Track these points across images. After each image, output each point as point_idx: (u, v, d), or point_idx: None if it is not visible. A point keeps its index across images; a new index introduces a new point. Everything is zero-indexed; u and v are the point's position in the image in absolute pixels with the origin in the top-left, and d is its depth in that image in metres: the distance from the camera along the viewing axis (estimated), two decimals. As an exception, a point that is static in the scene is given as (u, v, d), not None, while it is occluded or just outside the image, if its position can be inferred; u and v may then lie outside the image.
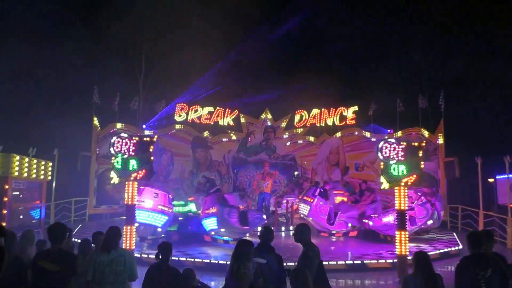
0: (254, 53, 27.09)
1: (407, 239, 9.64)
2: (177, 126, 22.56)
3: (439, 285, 4.98)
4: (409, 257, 8.72)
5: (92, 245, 6.45)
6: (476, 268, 4.78)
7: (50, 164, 15.40)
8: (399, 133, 20.97)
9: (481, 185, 15.71)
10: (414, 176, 9.27)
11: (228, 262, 4.59)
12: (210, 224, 12.81)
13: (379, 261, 11.15)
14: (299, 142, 23.09)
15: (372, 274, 10.45)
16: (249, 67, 28.47)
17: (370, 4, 28.92)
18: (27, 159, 13.50)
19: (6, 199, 12.62)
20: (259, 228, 11.89)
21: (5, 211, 12.53)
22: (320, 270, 5.41)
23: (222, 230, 12.71)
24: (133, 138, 9.43)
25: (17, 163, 12.94)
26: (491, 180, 19.49)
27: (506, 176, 14.31)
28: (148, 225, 12.54)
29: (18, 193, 13.63)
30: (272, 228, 5.88)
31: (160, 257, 5.44)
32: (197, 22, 26.23)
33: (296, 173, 22.30)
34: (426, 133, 20.68)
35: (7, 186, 12.57)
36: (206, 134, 22.83)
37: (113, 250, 5.29)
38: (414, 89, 24.70)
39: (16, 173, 13.11)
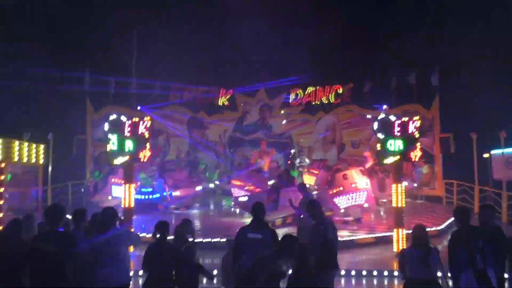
0: (249, 32, 26.71)
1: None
2: (172, 107, 22.46)
3: (436, 258, 5.07)
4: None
5: None
6: (467, 240, 4.82)
7: (42, 147, 15.22)
8: (394, 110, 20.91)
9: (476, 160, 15.78)
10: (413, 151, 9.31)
11: None
12: None
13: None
14: (295, 120, 23.05)
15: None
16: (242, 45, 28.12)
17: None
18: (17, 143, 13.30)
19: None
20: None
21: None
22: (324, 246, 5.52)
23: None
24: (129, 119, 9.38)
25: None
26: (486, 155, 19.59)
27: (501, 151, 14.36)
28: None
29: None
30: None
31: (158, 236, 5.47)
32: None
33: (292, 151, 22.29)
34: (421, 109, 20.67)
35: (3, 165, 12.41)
36: (201, 114, 22.76)
37: (109, 231, 5.26)
38: (409, 66, 24.57)
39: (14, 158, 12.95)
